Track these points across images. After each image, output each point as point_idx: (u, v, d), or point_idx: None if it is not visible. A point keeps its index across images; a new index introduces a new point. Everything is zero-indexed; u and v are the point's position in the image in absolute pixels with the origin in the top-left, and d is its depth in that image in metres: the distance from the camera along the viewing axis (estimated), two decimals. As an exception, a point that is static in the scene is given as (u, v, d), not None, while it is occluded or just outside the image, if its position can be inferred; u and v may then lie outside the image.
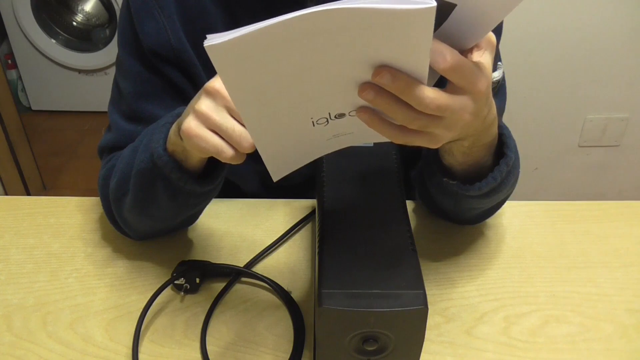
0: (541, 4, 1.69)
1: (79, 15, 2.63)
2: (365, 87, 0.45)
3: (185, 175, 0.61)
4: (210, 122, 0.52)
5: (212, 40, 0.38)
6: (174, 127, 0.59)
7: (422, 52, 0.42)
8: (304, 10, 0.37)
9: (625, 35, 1.74)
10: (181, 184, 0.61)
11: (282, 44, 0.39)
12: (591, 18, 1.71)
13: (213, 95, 0.52)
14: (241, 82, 0.43)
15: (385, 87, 0.44)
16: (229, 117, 0.52)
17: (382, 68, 0.43)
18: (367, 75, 0.44)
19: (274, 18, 0.37)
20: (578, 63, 1.79)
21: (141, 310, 0.66)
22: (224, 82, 0.43)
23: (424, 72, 0.43)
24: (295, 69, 0.42)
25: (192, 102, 0.54)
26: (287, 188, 0.82)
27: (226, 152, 0.52)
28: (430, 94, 0.45)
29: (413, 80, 0.44)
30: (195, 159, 0.59)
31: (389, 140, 0.52)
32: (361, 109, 0.48)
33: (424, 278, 0.52)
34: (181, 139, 0.55)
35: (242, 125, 0.52)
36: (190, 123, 0.52)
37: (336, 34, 0.39)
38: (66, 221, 0.81)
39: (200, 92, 0.53)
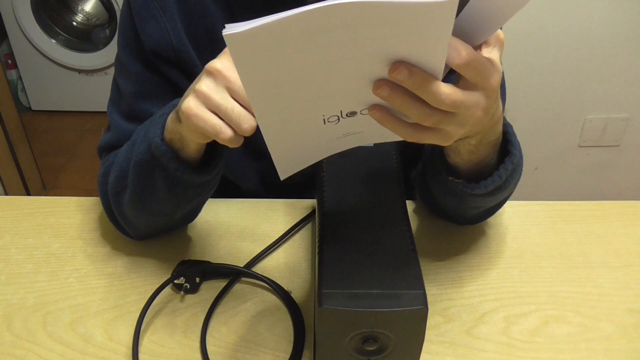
0: (541, 4, 1.69)
1: (79, 15, 2.63)
2: (380, 83, 0.45)
3: (183, 164, 0.61)
4: (210, 102, 0.51)
5: (231, 30, 0.38)
6: (171, 115, 0.59)
7: (440, 47, 0.42)
8: (326, 3, 0.37)
9: (625, 35, 1.74)
10: (179, 174, 0.61)
11: (301, 35, 0.39)
12: (591, 18, 1.71)
13: (214, 75, 0.51)
14: (257, 73, 0.43)
15: (401, 82, 0.44)
16: (229, 98, 0.51)
17: (399, 63, 0.43)
18: (381, 72, 0.44)
19: (293, 9, 0.37)
20: (578, 63, 1.79)
21: (141, 310, 0.66)
22: (240, 74, 0.43)
23: (440, 68, 0.43)
24: (311, 63, 0.42)
25: (193, 84, 0.54)
26: (287, 187, 0.82)
27: (224, 133, 0.51)
28: (445, 89, 0.45)
29: (429, 76, 0.44)
30: (192, 147, 0.59)
31: (400, 139, 0.52)
32: (374, 107, 0.48)
33: (424, 278, 0.52)
34: (179, 121, 0.55)
35: (244, 107, 0.51)
36: (190, 103, 0.52)
37: (355, 28, 0.39)
38: (66, 221, 0.81)
39: (201, 72, 0.53)
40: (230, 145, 0.53)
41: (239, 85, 0.50)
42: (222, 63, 0.51)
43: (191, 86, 0.54)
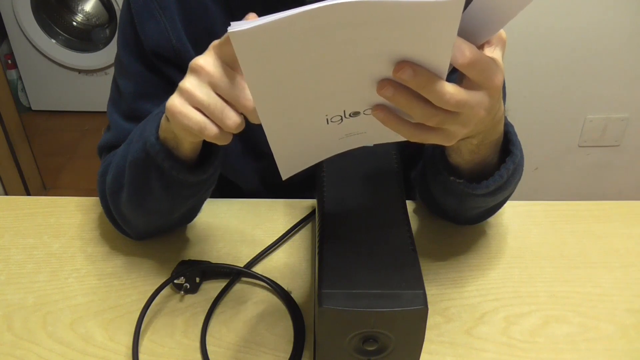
0: (541, 4, 1.69)
1: (79, 15, 2.63)
2: (384, 83, 0.45)
3: (177, 163, 0.60)
4: (193, 99, 0.51)
5: (236, 27, 0.38)
6: (165, 113, 0.59)
7: (445, 47, 0.42)
8: (331, 1, 0.37)
9: (625, 35, 1.74)
10: (174, 173, 0.61)
11: (306, 34, 0.39)
12: (591, 18, 1.71)
13: (197, 72, 0.50)
14: (261, 72, 0.43)
15: (405, 82, 0.44)
16: (212, 94, 0.50)
17: (403, 63, 0.43)
18: (386, 71, 0.44)
19: (299, 8, 0.37)
20: (578, 63, 1.79)
21: (141, 310, 0.66)
22: (244, 72, 0.43)
23: (445, 67, 0.43)
24: (315, 62, 0.42)
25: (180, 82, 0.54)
26: (287, 187, 0.82)
27: (209, 130, 0.51)
28: (450, 89, 0.45)
29: (434, 76, 0.44)
30: (186, 146, 0.59)
31: (403, 140, 0.52)
32: (377, 107, 0.48)
33: (424, 278, 0.52)
34: (168, 119, 0.55)
35: (227, 103, 0.51)
36: (174, 100, 0.52)
37: (360, 27, 0.39)
38: (66, 221, 0.81)
39: (187, 70, 0.52)
40: (218, 143, 0.52)
41: (222, 80, 0.50)
42: (204, 59, 0.50)
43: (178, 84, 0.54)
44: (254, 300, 0.69)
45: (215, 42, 0.50)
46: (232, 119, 0.50)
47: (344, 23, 0.39)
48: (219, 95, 0.50)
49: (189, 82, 0.51)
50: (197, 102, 0.51)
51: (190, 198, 0.68)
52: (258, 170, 0.84)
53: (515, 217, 0.81)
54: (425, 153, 0.74)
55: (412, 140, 0.50)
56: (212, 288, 0.71)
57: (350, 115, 0.49)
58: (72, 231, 0.80)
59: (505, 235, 0.78)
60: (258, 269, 0.73)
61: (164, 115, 0.59)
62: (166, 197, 0.65)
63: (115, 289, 0.71)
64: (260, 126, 0.49)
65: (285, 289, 0.70)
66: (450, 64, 0.45)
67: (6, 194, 2.07)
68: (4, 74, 2.11)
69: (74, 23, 2.61)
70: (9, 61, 2.60)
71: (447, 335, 0.65)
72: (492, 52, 0.48)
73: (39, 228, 0.80)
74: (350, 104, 0.48)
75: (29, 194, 2.17)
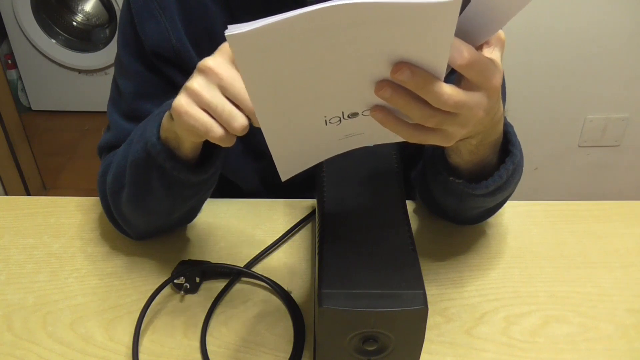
0: (541, 4, 1.69)
1: (79, 15, 2.63)
2: (382, 84, 0.45)
3: (179, 164, 0.60)
4: (200, 100, 0.51)
5: (234, 30, 0.38)
6: (167, 113, 0.58)
7: (443, 48, 0.42)
8: (329, 3, 0.37)
9: (625, 35, 1.74)
10: (175, 173, 0.61)
11: (304, 36, 0.39)
12: (591, 18, 1.71)
13: (206, 72, 0.50)
14: (260, 74, 0.43)
15: (403, 83, 0.44)
16: (220, 95, 0.50)
17: (401, 64, 0.43)
18: (384, 72, 0.44)
19: (296, 10, 0.37)
20: (578, 63, 1.79)
21: (141, 310, 0.66)
22: (242, 74, 0.43)
23: (443, 68, 0.43)
24: (314, 63, 0.42)
25: (186, 82, 0.54)
26: (287, 187, 0.82)
27: (215, 131, 0.51)
28: (448, 90, 0.45)
29: (432, 77, 0.44)
30: (188, 146, 0.59)
31: (401, 141, 0.52)
32: (375, 108, 0.48)
33: (424, 278, 0.52)
34: (172, 119, 0.55)
35: (235, 105, 0.51)
36: (181, 100, 0.52)
37: (358, 28, 0.39)
38: (66, 221, 0.81)
39: (195, 70, 0.52)
40: (223, 144, 0.52)
41: (231, 82, 0.50)
42: (214, 60, 0.50)
43: (185, 84, 0.54)
44: (254, 300, 0.69)
45: (227, 44, 0.50)
46: (239, 121, 0.50)
47: (343, 25, 0.39)
48: (226, 97, 0.50)
49: (196, 83, 0.51)
50: (204, 103, 0.51)
51: (191, 198, 0.68)
52: (258, 170, 0.84)
53: (515, 217, 0.81)
54: (425, 153, 0.74)
55: (411, 141, 0.50)
56: (212, 288, 0.71)
57: (348, 116, 0.49)
58: (72, 231, 0.80)
59: (505, 235, 0.78)
60: (258, 269, 0.73)
61: (165, 115, 0.59)
62: (167, 197, 0.65)
63: (116, 289, 0.71)
64: None
65: (285, 289, 0.70)
66: (449, 65, 0.45)
67: (6, 194, 2.07)
68: (4, 74, 2.11)
69: (74, 23, 2.61)
70: (9, 61, 2.60)
71: (447, 335, 0.65)
72: (491, 52, 0.48)
73: (39, 228, 0.80)
74: (349, 105, 0.48)
75: (29, 194, 2.17)
